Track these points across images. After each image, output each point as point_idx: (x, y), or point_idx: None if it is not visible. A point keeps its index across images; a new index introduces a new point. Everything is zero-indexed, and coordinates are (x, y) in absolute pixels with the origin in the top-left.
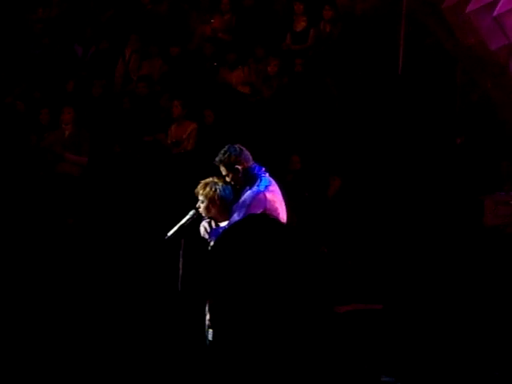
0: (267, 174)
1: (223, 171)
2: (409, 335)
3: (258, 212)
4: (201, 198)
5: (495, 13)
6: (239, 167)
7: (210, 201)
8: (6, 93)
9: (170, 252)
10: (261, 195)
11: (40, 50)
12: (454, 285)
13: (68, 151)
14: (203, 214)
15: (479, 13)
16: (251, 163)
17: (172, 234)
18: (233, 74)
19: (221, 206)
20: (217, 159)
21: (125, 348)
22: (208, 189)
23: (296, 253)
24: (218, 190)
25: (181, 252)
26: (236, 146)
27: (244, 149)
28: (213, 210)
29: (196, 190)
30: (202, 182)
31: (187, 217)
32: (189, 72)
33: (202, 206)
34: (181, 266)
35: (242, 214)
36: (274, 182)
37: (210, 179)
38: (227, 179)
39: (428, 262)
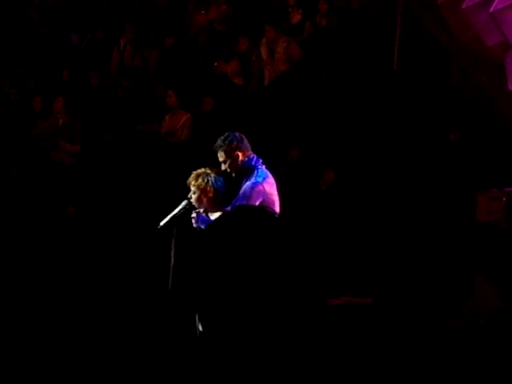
0: (264, 167)
1: (221, 157)
2: (399, 329)
3: (257, 204)
4: (193, 188)
5: (491, 9)
6: (239, 154)
7: (202, 192)
8: (1, 80)
9: (163, 241)
10: (260, 187)
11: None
12: (446, 280)
13: (62, 140)
14: (195, 205)
15: (475, 9)
16: (250, 153)
17: (164, 224)
18: (228, 65)
19: (212, 197)
20: (217, 144)
21: (119, 337)
22: (200, 180)
23: (288, 244)
24: (209, 181)
25: (173, 241)
26: (237, 134)
27: (244, 137)
28: (204, 201)
29: (188, 181)
30: (194, 172)
31: (180, 207)
32: (184, 62)
33: (193, 197)
34: (173, 256)
35: (243, 203)
36: (270, 174)
37: (203, 170)
38: (223, 166)
39: (420, 257)
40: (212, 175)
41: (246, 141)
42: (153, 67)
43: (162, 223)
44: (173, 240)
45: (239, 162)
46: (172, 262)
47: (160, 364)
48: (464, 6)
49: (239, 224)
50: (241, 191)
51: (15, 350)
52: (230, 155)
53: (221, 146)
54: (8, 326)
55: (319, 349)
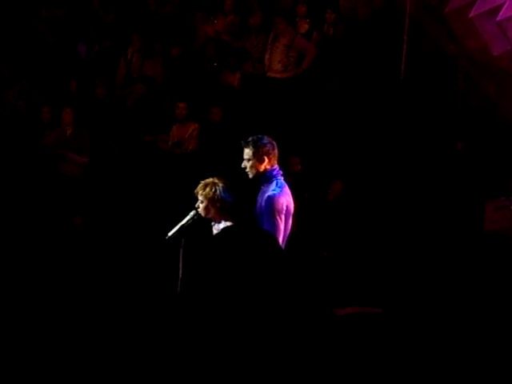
0: (282, 178)
1: (247, 155)
2: (408, 340)
3: (282, 216)
4: (200, 198)
5: (498, 18)
6: (265, 160)
7: (210, 201)
8: (8, 91)
9: (171, 252)
10: (282, 199)
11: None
12: (454, 289)
13: (69, 151)
14: (202, 215)
15: (482, 18)
16: (275, 163)
17: (173, 234)
18: (235, 75)
19: (220, 206)
20: (249, 141)
21: (124, 345)
22: (208, 189)
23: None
24: (217, 191)
25: (181, 252)
26: (270, 139)
27: (276, 147)
28: (212, 211)
29: (196, 190)
30: (202, 182)
31: (188, 217)
32: (191, 73)
33: (201, 206)
34: (181, 266)
35: (273, 220)
36: (286, 185)
37: (210, 180)
38: (245, 163)
39: (428, 267)
40: (220, 185)
41: (276, 151)
42: (160, 77)
43: (170, 233)
44: (181, 250)
45: (262, 168)
46: (180, 272)
47: (163, 368)
48: (471, 15)
49: (244, 239)
50: (263, 204)
51: (26, 354)
52: (257, 157)
53: (252, 145)
54: (13, 335)
55: (327, 359)
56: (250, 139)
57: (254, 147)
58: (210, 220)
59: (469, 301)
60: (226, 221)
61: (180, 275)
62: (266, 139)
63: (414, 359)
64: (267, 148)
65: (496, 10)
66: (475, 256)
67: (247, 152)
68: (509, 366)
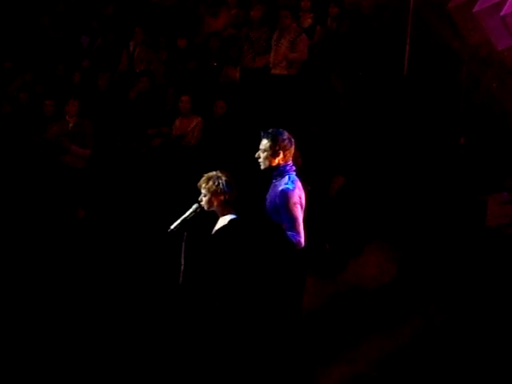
0: (294, 174)
1: (263, 145)
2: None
3: (298, 206)
4: (203, 191)
5: (502, 13)
6: (281, 154)
7: (213, 194)
8: (11, 84)
9: (173, 245)
10: (295, 191)
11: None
12: (455, 284)
13: (72, 143)
14: (205, 208)
15: (486, 13)
16: (290, 160)
17: (175, 227)
18: (237, 68)
19: (223, 199)
20: (269, 132)
21: (126, 339)
22: (211, 182)
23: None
24: (220, 184)
25: (183, 245)
26: (290, 136)
27: (294, 144)
28: (215, 204)
29: (199, 184)
30: (205, 175)
31: (190, 210)
32: (194, 66)
33: (204, 200)
34: (183, 259)
35: (291, 213)
36: (298, 180)
37: (214, 173)
38: (259, 153)
39: (429, 262)
40: (223, 178)
41: (293, 148)
42: (162, 70)
43: (172, 227)
44: (183, 244)
45: (275, 162)
46: (182, 265)
47: (167, 366)
48: (475, 10)
49: (250, 232)
50: (277, 199)
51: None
52: (273, 150)
53: (271, 137)
54: (15, 330)
55: (329, 352)
56: (270, 131)
57: (272, 140)
58: (212, 213)
59: (469, 296)
60: (229, 214)
61: (182, 268)
62: (285, 135)
63: (416, 354)
64: (285, 143)
65: (500, 4)
66: (476, 250)
67: (264, 143)
68: (509, 362)
